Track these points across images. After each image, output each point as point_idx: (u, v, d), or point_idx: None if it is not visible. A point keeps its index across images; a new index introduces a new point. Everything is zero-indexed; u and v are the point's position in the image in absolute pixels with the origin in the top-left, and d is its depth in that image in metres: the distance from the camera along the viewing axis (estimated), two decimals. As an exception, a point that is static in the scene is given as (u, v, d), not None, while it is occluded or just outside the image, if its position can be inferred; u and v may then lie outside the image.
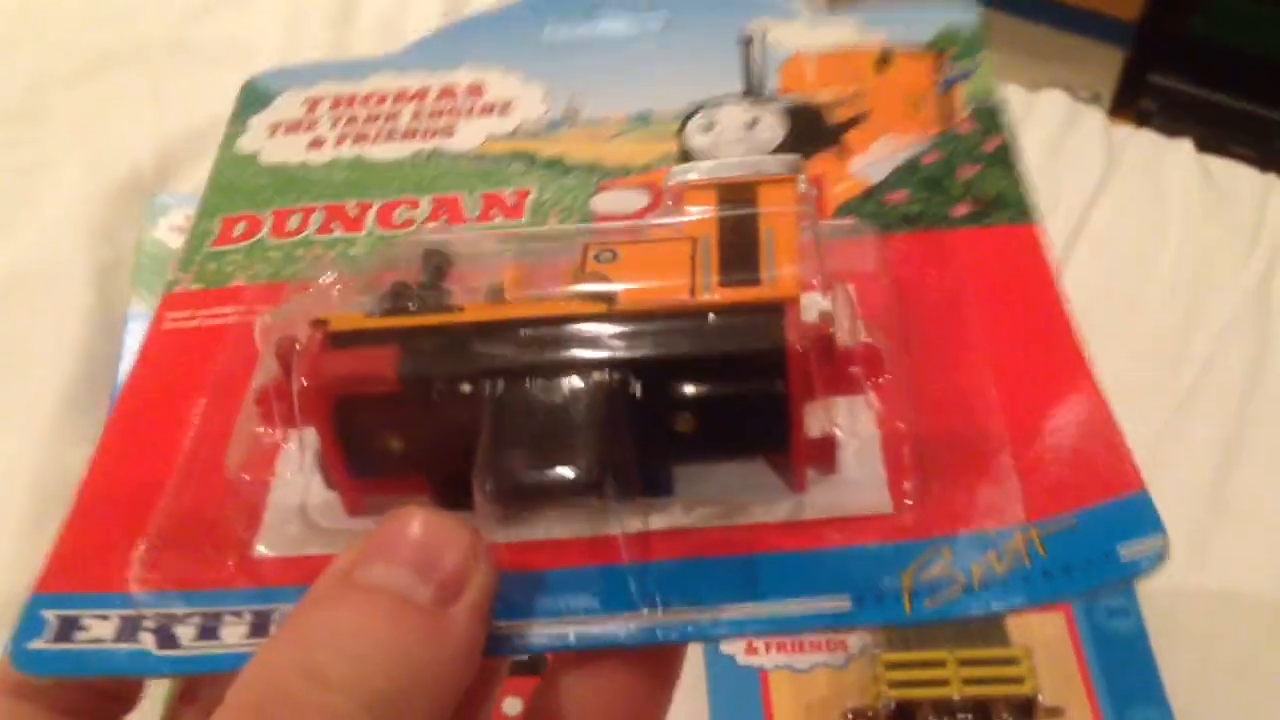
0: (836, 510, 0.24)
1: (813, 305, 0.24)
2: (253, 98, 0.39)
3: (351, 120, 0.37)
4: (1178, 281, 0.69)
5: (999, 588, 0.23)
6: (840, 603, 0.23)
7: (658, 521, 0.24)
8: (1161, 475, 0.59)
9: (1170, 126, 0.79)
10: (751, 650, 0.53)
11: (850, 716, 0.51)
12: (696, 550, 0.23)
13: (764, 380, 0.23)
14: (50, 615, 0.25)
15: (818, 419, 0.24)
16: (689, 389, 0.23)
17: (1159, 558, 0.23)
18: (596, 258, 0.26)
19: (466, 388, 0.23)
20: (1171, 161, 0.75)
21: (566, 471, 0.22)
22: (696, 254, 0.25)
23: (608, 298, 0.24)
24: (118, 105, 0.74)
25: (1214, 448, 0.61)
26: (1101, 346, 0.64)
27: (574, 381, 0.23)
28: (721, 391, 0.23)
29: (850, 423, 0.25)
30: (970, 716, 0.49)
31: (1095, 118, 0.79)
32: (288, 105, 0.38)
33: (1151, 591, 0.55)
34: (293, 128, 0.37)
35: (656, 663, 0.24)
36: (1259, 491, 0.60)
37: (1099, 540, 0.23)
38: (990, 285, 0.29)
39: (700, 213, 0.27)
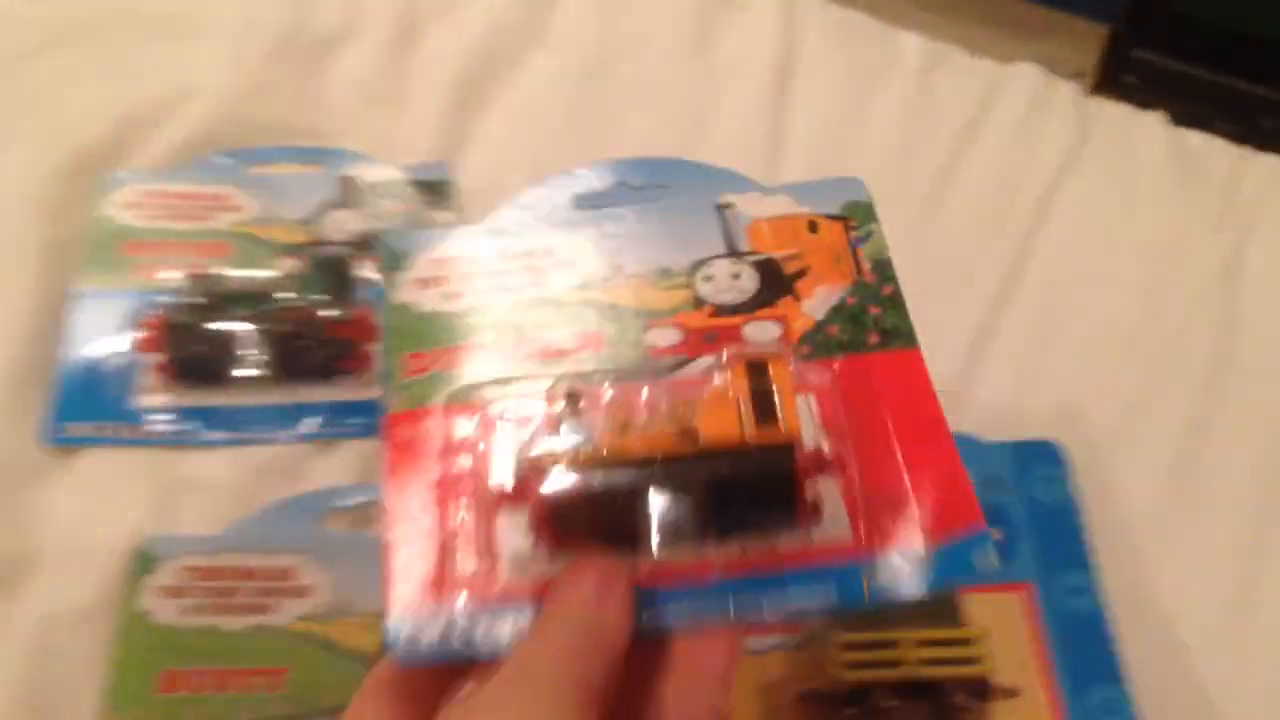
0: (824, 541, 0.39)
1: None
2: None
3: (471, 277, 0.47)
4: (1147, 255, 0.68)
5: (912, 582, 0.38)
6: (830, 595, 0.38)
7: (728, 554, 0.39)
8: (1128, 449, 0.59)
9: (1153, 102, 0.78)
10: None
11: (805, 698, 0.50)
12: (750, 568, 0.38)
13: (783, 484, 0.39)
14: None
15: (810, 490, 0.39)
16: (746, 490, 0.39)
17: (990, 564, 0.38)
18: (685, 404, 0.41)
19: (623, 504, 0.38)
20: (1143, 134, 0.74)
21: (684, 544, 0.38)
22: (741, 409, 0.40)
23: (693, 437, 0.39)
24: (69, 79, 0.73)
25: (1181, 422, 0.61)
26: (1071, 321, 0.64)
27: (681, 492, 0.39)
28: (763, 491, 0.39)
29: (826, 490, 0.40)
30: (925, 697, 0.48)
31: (1066, 91, 0.77)
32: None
33: (1116, 567, 0.54)
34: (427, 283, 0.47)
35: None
36: (1226, 466, 0.59)
37: (962, 554, 0.38)
38: (893, 393, 0.42)
39: (736, 381, 0.41)
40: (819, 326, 0.44)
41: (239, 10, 0.77)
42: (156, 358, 0.59)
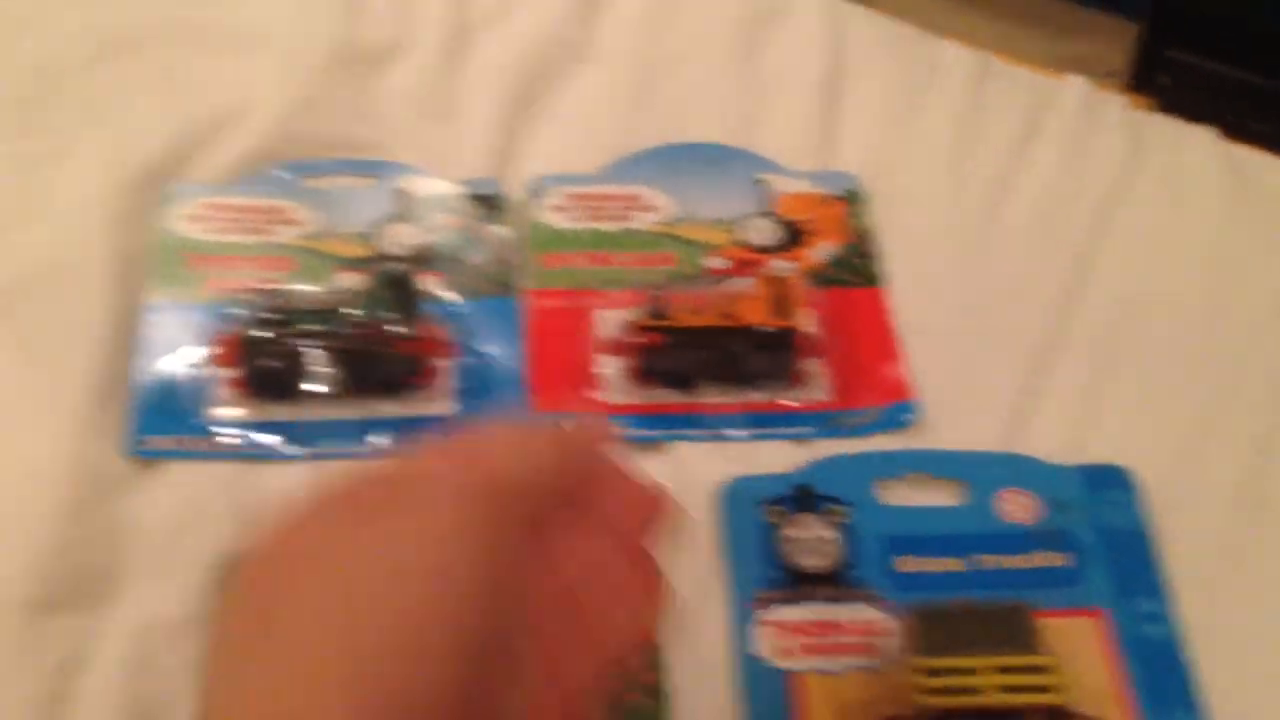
0: (807, 399, 0.62)
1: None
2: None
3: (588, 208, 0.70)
4: (1207, 272, 0.68)
5: (867, 427, 0.61)
6: (809, 430, 0.61)
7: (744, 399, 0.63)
8: (1194, 472, 0.59)
9: (1188, 103, 0.79)
10: (783, 652, 0.53)
11: (886, 722, 0.51)
12: (755, 410, 0.62)
13: (786, 354, 0.62)
14: None
15: (803, 364, 0.62)
16: (763, 356, 0.62)
17: (911, 420, 0.61)
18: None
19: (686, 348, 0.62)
20: (1195, 150, 0.75)
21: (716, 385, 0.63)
22: (765, 305, 0.63)
23: (734, 318, 0.62)
24: (130, 92, 0.73)
25: (1247, 445, 0.61)
26: (1133, 341, 0.64)
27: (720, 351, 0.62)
28: (773, 358, 0.62)
29: (813, 367, 0.63)
30: (1005, 725, 0.49)
31: (1116, 104, 0.78)
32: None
33: (1188, 595, 0.55)
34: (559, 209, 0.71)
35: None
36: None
37: (895, 414, 0.61)
38: (862, 314, 0.66)
39: (764, 289, 0.64)
40: (819, 268, 0.67)
41: (292, 24, 0.77)
42: (230, 373, 0.60)
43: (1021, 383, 0.63)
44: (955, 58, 0.79)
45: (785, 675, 0.53)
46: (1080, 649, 0.53)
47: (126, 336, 0.61)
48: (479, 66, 0.77)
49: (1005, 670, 0.49)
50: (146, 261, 0.65)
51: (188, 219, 0.67)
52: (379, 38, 0.77)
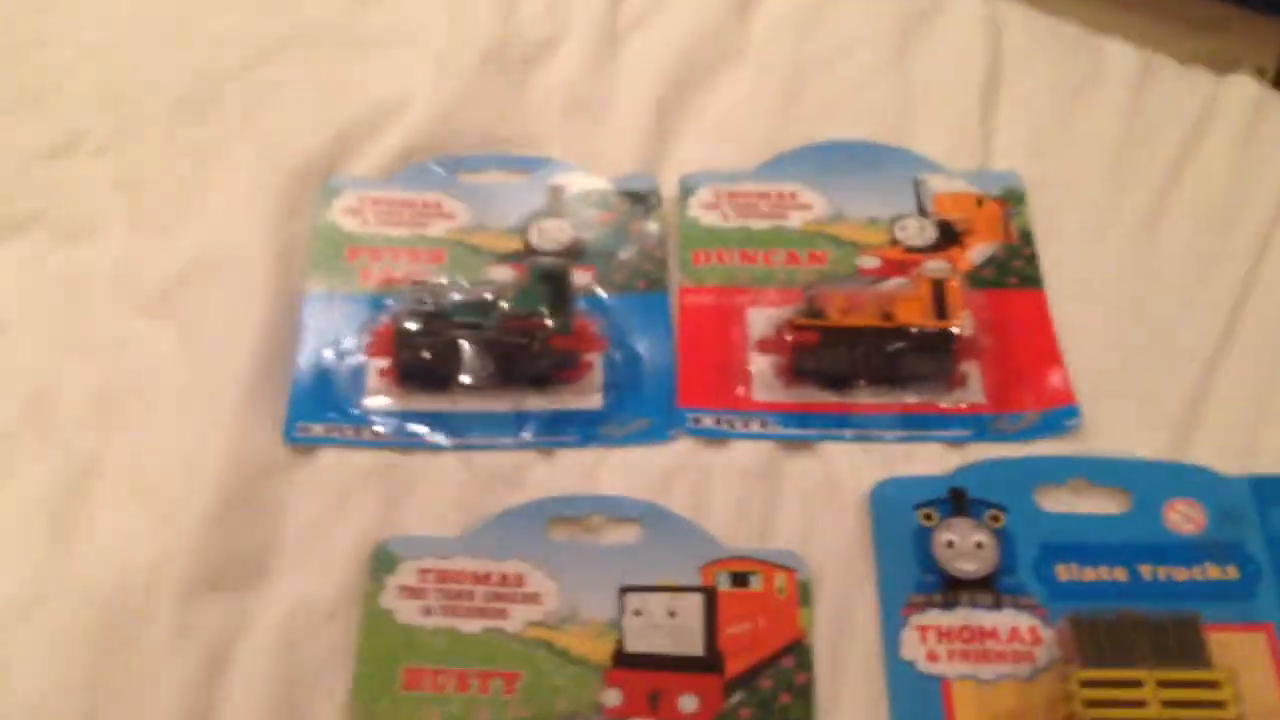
0: (964, 401, 0.61)
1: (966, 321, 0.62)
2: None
3: (739, 206, 0.70)
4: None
5: (1026, 432, 0.59)
6: (966, 433, 0.60)
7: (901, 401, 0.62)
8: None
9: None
10: (933, 658, 0.52)
11: (1039, 733, 0.49)
12: (911, 410, 0.61)
13: (946, 355, 0.61)
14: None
15: (962, 365, 0.61)
16: (921, 357, 0.61)
17: (1073, 426, 0.59)
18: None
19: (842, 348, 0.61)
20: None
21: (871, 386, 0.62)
22: (924, 305, 0.62)
23: (891, 318, 0.62)
24: (287, 92, 0.75)
25: None
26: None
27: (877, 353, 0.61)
28: (932, 359, 0.61)
29: (971, 369, 0.62)
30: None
31: (1289, 105, 0.75)
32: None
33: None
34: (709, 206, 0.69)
35: None
36: None
37: (1057, 419, 0.60)
38: (1021, 317, 0.64)
39: (922, 289, 0.63)
40: (976, 269, 0.66)
41: (447, 22, 0.78)
42: (383, 363, 0.61)
43: (1188, 389, 0.61)
44: (1119, 55, 0.77)
45: (935, 682, 0.51)
46: (1250, 665, 0.50)
47: (287, 326, 0.63)
48: (632, 64, 0.77)
49: (1172, 684, 0.47)
50: (306, 253, 0.66)
51: (346, 212, 0.68)
52: (533, 35, 0.78)
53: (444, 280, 0.64)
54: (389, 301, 0.63)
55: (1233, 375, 0.61)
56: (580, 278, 0.65)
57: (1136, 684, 0.47)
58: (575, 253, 0.67)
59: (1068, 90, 0.75)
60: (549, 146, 0.73)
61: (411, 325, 0.61)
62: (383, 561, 0.55)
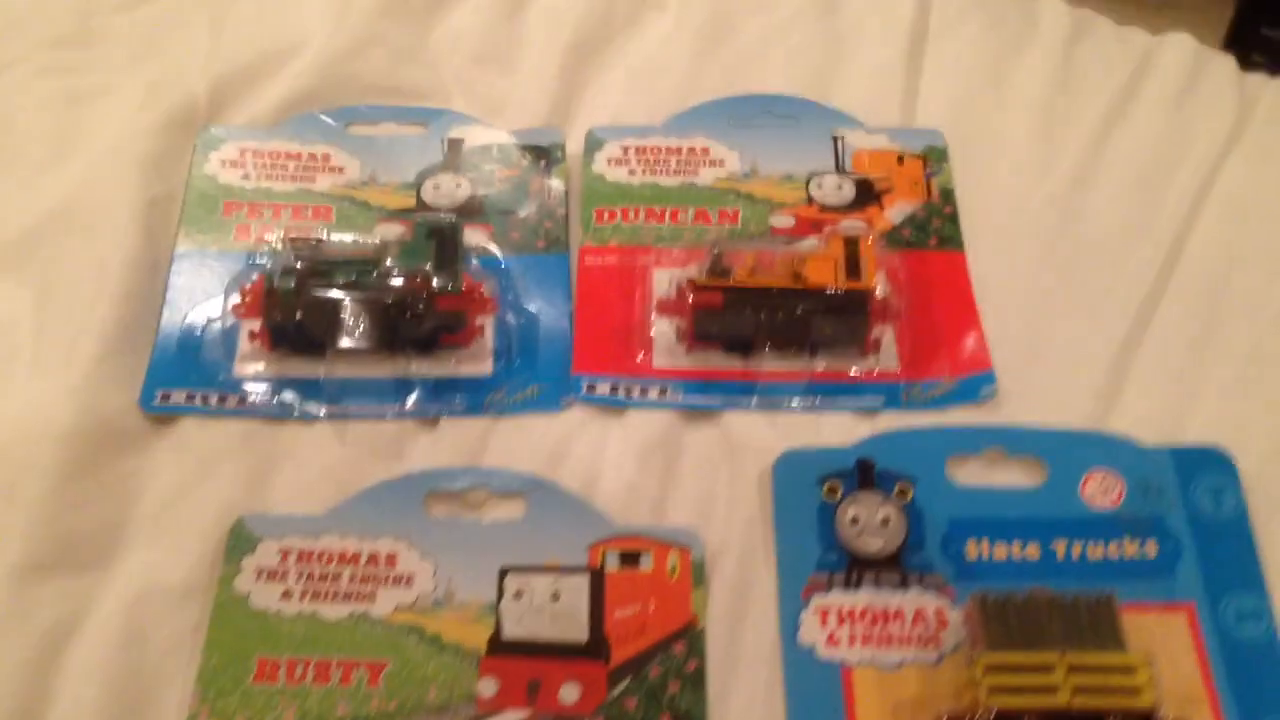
0: (878, 367, 0.58)
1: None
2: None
3: (648, 161, 0.66)
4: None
5: (937, 400, 0.56)
6: (878, 402, 0.56)
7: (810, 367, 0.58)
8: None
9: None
10: (833, 642, 0.49)
11: (945, 722, 0.46)
12: (824, 378, 0.57)
13: (859, 319, 0.57)
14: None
15: (876, 330, 0.57)
16: (832, 320, 0.57)
17: (989, 393, 0.56)
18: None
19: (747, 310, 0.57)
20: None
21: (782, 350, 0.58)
22: (836, 265, 0.57)
23: (801, 279, 0.57)
24: (173, 33, 0.71)
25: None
26: (1230, 316, 0.59)
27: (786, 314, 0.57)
28: (844, 322, 0.57)
29: (885, 335, 0.58)
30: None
31: (1225, 64, 0.72)
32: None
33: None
34: (614, 161, 0.66)
35: None
36: None
37: (972, 386, 0.57)
38: (940, 279, 0.61)
39: (835, 248, 0.58)
40: (895, 229, 0.63)
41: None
42: (253, 324, 0.56)
43: (1110, 356, 0.58)
44: (1053, 14, 0.74)
45: (835, 668, 0.48)
46: (1168, 648, 0.48)
47: (152, 286, 0.59)
48: (540, 10, 0.73)
49: (1084, 669, 0.44)
50: (179, 207, 0.62)
51: (225, 164, 0.64)
52: None
53: (323, 236, 0.60)
54: (263, 260, 0.59)
55: (1158, 342, 0.59)
56: (475, 236, 0.62)
57: (1046, 668, 0.44)
58: (472, 210, 0.63)
59: (998, 47, 0.72)
60: (451, 98, 0.69)
61: (285, 284, 0.56)
62: (240, 541, 0.51)
